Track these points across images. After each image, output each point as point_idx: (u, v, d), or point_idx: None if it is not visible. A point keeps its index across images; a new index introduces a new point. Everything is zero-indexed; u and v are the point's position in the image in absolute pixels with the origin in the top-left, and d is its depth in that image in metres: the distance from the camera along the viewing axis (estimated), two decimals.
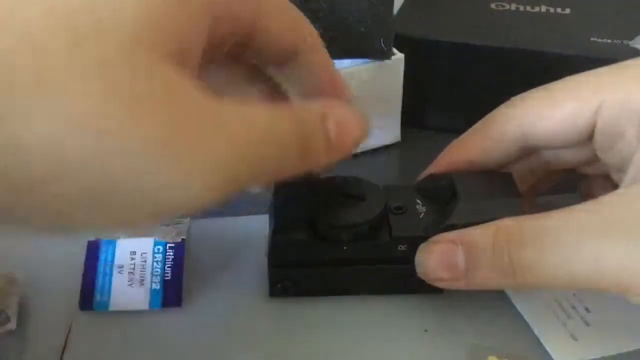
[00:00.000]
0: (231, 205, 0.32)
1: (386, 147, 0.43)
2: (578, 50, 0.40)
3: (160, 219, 0.20)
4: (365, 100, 0.41)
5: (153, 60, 0.17)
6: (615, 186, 0.31)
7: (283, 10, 0.24)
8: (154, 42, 0.17)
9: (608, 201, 0.24)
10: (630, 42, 0.40)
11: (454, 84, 0.43)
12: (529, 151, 0.30)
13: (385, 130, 0.43)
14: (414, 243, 0.28)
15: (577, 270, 0.23)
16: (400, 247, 0.28)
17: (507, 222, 0.25)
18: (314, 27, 0.37)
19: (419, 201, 0.29)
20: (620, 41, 0.41)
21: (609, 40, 0.41)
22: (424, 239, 0.27)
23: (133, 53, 0.16)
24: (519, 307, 0.29)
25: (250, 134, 0.19)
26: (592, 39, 0.41)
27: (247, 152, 0.19)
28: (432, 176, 0.31)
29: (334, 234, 0.28)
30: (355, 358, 0.28)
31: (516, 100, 0.30)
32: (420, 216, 0.29)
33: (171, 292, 0.30)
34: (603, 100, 0.26)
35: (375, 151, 0.43)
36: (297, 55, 0.26)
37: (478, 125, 0.31)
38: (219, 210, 0.35)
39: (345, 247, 0.28)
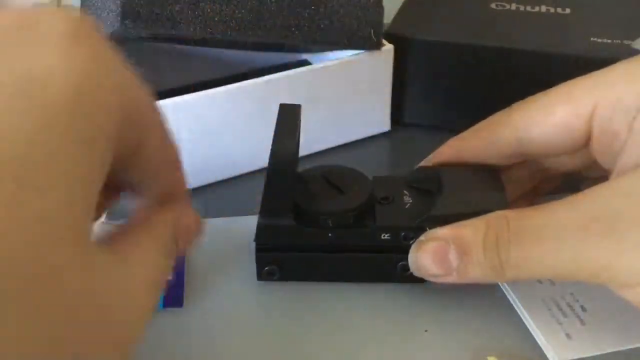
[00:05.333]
0: (232, 205, 0.33)
1: (375, 137, 0.44)
2: (578, 50, 0.40)
3: None
4: (354, 91, 0.42)
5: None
6: None
7: (161, 141, 0.23)
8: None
9: (589, 196, 0.24)
10: (631, 43, 0.40)
11: (455, 84, 0.43)
12: (525, 157, 0.30)
13: (375, 120, 0.44)
14: (397, 232, 0.29)
15: (559, 267, 0.24)
16: (384, 236, 0.29)
17: (496, 220, 0.25)
18: (305, 17, 0.38)
19: (406, 192, 0.30)
20: (620, 41, 0.41)
21: (609, 40, 0.41)
22: (407, 228, 0.28)
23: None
24: (516, 305, 0.29)
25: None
26: (592, 39, 0.41)
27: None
28: (420, 169, 0.32)
29: (318, 221, 0.29)
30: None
31: (515, 105, 0.30)
32: (406, 207, 0.30)
33: (172, 292, 0.30)
34: (597, 102, 0.26)
35: (364, 140, 0.44)
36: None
37: (475, 127, 0.31)
38: (219, 210, 0.36)
39: (329, 234, 0.29)
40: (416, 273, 0.28)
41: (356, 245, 0.30)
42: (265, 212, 0.29)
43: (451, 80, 0.43)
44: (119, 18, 0.34)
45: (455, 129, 0.44)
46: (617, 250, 0.23)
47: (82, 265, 0.17)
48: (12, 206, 0.15)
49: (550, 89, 0.29)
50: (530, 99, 0.29)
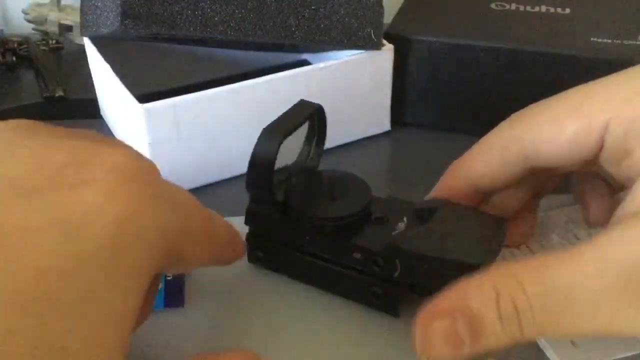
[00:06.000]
0: (232, 205, 0.33)
1: (375, 137, 0.44)
2: (578, 50, 0.40)
3: None
4: (354, 91, 0.42)
5: None
6: (608, 186, 0.31)
7: (205, 253, 0.25)
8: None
9: (615, 244, 0.22)
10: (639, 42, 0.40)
11: (455, 84, 0.43)
12: (532, 171, 0.29)
13: (375, 120, 0.44)
14: (369, 255, 0.28)
15: (595, 330, 0.22)
16: (355, 255, 0.28)
17: (505, 284, 0.22)
18: (305, 17, 0.38)
19: (405, 219, 0.29)
20: (620, 41, 0.41)
21: (609, 40, 0.41)
22: (373, 253, 0.27)
23: None
24: None
25: None
26: (592, 39, 0.41)
27: None
28: (427, 200, 0.30)
29: (300, 221, 0.29)
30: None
31: (517, 118, 0.28)
32: (393, 233, 0.28)
33: (174, 292, 0.30)
34: (610, 118, 0.25)
35: (364, 140, 0.44)
36: None
37: (478, 146, 0.29)
38: (219, 210, 0.35)
39: (307, 237, 0.29)
40: (421, 355, 0.24)
41: (329, 256, 0.29)
42: (256, 198, 0.30)
43: (451, 80, 0.43)
44: (119, 18, 0.34)
45: (455, 129, 0.44)
46: None
47: None
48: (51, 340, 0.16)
49: (556, 98, 0.27)
50: (534, 109, 0.27)
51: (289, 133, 0.29)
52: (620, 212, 0.24)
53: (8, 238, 0.17)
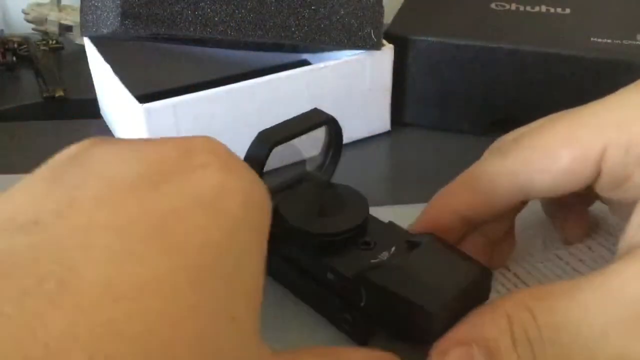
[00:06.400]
0: None
1: (375, 137, 0.44)
2: (578, 50, 0.40)
3: None
4: (354, 91, 0.42)
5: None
6: (581, 201, 0.30)
7: None
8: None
9: (621, 277, 0.22)
10: None
11: (455, 84, 0.43)
12: (524, 200, 0.28)
13: (375, 120, 0.44)
14: (339, 278, 0.27)
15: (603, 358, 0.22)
16: (329, 275, 0.27)
17: (517, 313, 0.23)
18: (305, 17, 0.38)
19: (394, 249, 0.27)
20: (620, 41, 0.41)
21: (609, 40, 0.41)
22: (342, 277, 0.26)
23: None
24: None
25: None
26: (592, 39, 0.41)
27: None
28: (422, 235, 0.28)
29: (285, 226, 0.28)
30: None
31: (505, 148, 0.27)
32: (372, 260, 0.27)
33: None
34: (606, 145, 0.24)
35: (364, 140, 0.44)
36: None
37: (463, 178, 0.28)
38: None
39: (285, 241, 0.28)
40: None
41: (304, 269, 0.29)
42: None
43: (451, 80, 0.43)
44: (119, 18, 0.34)
45: (455, 129, 0.44)
46: None
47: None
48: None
49: (545, 126, 0.26)
50: (524, 139, 0.26)
51: (285, 139, 0.28)
52: (625, 242, 0.24)
53: (165, 221, 0.17)
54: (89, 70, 0.45)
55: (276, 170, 0.30)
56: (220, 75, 0.44)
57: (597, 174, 0.25)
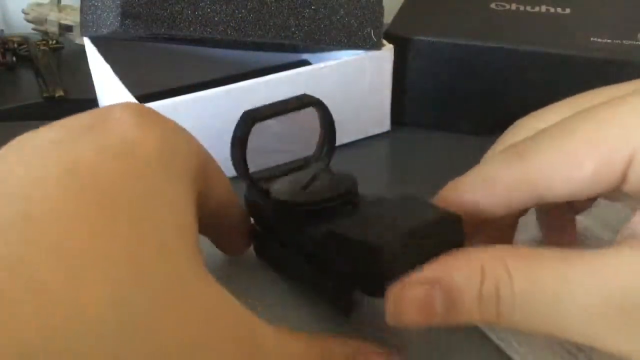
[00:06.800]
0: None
1: (375, 137, 0.44)
2: (578, 50, 0.40)
3: None
4: (354, 91, 0.42)
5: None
6: (570, 209, 0.30)
7: (223, 178, 0.28)
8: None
9: (612, 267, 0.21)
10: None
11: (455, 84, 0.43)
12: (542, 204, 0.26)
13: (375, 120, 0.44)
14: (314, 242, 0.26)
15: (573, 340, 0.22)
16: (307, 242, 0.27)
17: (494, 268, 0.21)
18: (305, 17, 0.38)
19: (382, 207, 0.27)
20: (620, 41, 0.41)
21: (609, 40, 0.41)
22: (315, 239, 0.26)
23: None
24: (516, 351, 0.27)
25: None
26: (592, 39, 0.41)
27: None
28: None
29: (272, 203, 0.28)
30: None
31: (524, 152, 0.25)
32: (350, 216, 0.26)
33: None
34: (635, 151, 0.22)
35: (364, 140, 0.44)
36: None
37: (479, 177, 0.26)
38: None
39: (276, 218, 0.29)
40: (391, 321, 0.23)
41: (294, 246, 0.29)
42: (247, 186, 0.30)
43: (451, 80, 0.43)
44: (119, 18, 0.34)
45: (455, 129, 0.44)
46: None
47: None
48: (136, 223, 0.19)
49: (566, 129, 0.24)
50: (543, 143, 0.24)
51: (267, 117, 0.29)
52: (629, 230, 0.23)
53: (76, 165, 0.19)
54: (89, 70, 0.45)
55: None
56: (220, 75, 0.44)
57: (623, 180, 0.23)
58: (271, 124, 0.30)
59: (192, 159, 0.23)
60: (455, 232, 0.24)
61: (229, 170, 0.30)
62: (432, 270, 0.22)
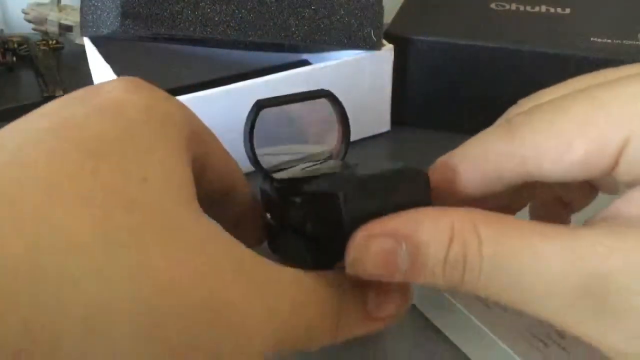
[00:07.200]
0: None
1: (375, 137, 0.44)
2: (578, 50, 0.40)
3: None
4: (354, 91, 0.42)
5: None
6: (564, 206, 0.29)
7: (223, 153, 0.27)
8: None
9: (584, 250, 0.20)
10: None
11: (455, 84, 0.43)
12: (532, 184, 0.25)
13: (375, 120, 0.44)
14: (292, 204, 0.26)
15: (533, 315, 0.21)
16: (290, 211, 0.27)
17: (463, 231, 0.21)
18: (305, 17, 0.38)
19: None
20: (620, 41, 0.41)
21: (609, 40, 0.41)
22: (294, 201, 0.25)
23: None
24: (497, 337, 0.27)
25: (301, 294, 0.21)
26: (592, 39, 0.41)
27: (300, 313, 0.21)
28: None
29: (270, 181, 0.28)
30: None
31: (516, 129, 0.24)
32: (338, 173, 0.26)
33: None
34: (628, 139, 0.21)
35: (364, 140, 0.44)
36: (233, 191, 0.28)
37: (468, 153, 0.25)
38: None
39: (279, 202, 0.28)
40: (350, 269, 0.22)
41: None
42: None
43: (451, 80, 0.43)
44: (119, 18, 0.34)
45: (455, 129, 0.44)
46: (607, 333, 0.20)
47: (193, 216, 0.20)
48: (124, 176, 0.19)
49: (560, 109, 0.23)
50: (535, 121, 0.23)
51: (275, 104, 0.29)
52: (607, 212, 0.22)
53: (65, 123, 0.20)
54: (89, 70, 0.45)
55: None
56: (220, 75, 0.44)
57: (614, 166, 0.22)
58: (289, 124, 0.30)
59: (185, 124, 0.23)
60: (420, 187, 0.23)
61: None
62: (401, 222, 0.21)
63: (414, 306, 0.30)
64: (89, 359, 0.16)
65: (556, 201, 0.29)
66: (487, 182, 0.25)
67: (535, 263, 0.20)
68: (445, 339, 0.29)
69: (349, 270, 0.22)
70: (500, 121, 0.27)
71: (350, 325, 0.23)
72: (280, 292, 0.21)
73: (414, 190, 0.23)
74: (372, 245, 0.21)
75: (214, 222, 0.20)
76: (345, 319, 0.22)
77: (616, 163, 0.22)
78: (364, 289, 0.23)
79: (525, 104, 0.27)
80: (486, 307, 0.28)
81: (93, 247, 0.16)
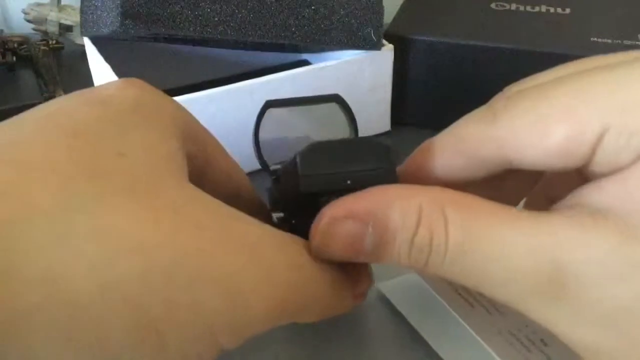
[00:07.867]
0: None
1: (376, 137, 0.44)
2: (578, 50, 0.40)
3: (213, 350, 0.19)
4: (354, 91, 0.42)
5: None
6: (549, 202, 0.29)
7: (224, 154, 0.27)
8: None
9: (552, 237, 0.20)
10: None
11: (455, 84, 0.43)
12: (512, 170, 0.25)
13: (375, 120, 0.44)
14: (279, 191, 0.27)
15: (497, 302, 0.21)
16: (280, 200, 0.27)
17: (431, 212, 0.20)
18: (305, 17, 0.38)
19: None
20: (620, 41, 0.41)
21: (609, 40, 0.41)
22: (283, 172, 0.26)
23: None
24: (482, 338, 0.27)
25: (297, 257, 0.21)
26: (592, 39, 0.41)
27: (299, 278, 0.21)
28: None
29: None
30: None
31: (498, 113, 0.24)
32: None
33: None
34: (606, 128, 0.21)
35: None
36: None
37: (449, 138, 0.25)
38: None
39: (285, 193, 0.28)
40: (315, 252, 0.22)
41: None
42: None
43: (451, 80, 0.43)
44: (119, 18, 0.34)
45: None
46: (565, 321, 0.20)
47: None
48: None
49: (542, 95, 0.22)
50: (517, 106, 0.23)
51: (282, 105, 0.30)
52: (573, 198, 0.22)
53: (55, 113, 0.20)
54: (89, 70, 0.45)
55: None
56: (220, 75, 0.44)
57: (591, 157, 0.21)
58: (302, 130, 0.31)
59: (178, 118, 0.23)
60: (381, 155, 0.23)
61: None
62: (367, 201, 0.21)
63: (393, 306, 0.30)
64: (54, 326, 0.16)
65: (546, 201, 0.29)
66: (467, 166, 0.24)
67: (499, 249, 0.20)
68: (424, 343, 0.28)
69: (314, 252, 0.22)
70: (484, 107, 0.26)
71: (342, 297, 0.23)
72: (276, 254, 0.20)
73: (374, 157, 0.23)
74: (340, 230, 0.21)
75: (207, 194, 0.20)
76: (337, 290, 0.23)
77: (593, 153, 0.21)
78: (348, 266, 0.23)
79: (510, 90, 0.26)
80: (470, 307, 0.28)
81: (54, 213, 0.16)
